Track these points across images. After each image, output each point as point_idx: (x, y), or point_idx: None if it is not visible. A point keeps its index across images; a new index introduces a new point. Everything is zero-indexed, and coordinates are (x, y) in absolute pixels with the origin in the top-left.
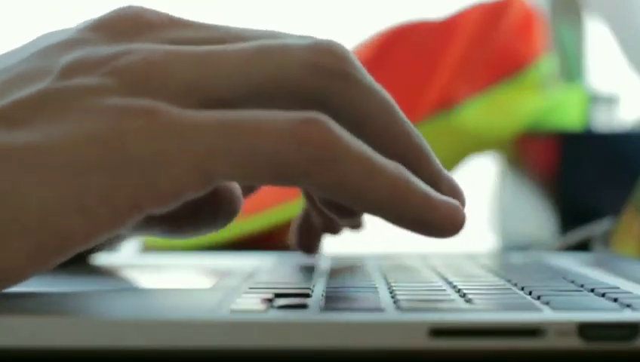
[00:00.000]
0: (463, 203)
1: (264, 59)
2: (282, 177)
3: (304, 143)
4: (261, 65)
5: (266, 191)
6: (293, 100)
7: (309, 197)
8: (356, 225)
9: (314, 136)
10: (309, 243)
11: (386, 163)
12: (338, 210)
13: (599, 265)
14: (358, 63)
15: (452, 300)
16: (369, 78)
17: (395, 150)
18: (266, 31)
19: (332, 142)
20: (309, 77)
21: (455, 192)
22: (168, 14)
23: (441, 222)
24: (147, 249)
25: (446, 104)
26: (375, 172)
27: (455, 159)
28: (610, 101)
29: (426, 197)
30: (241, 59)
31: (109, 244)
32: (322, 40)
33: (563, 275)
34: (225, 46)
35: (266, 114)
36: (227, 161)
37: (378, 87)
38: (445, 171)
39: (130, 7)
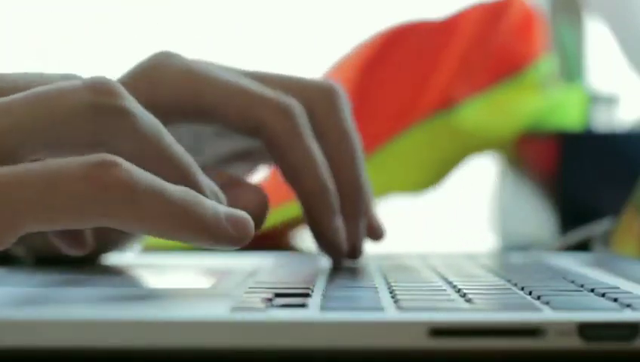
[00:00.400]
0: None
1: (45, 108)
2: (85, 221)
3: (100, 187)
4: (44, 114)
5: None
6: (80, 142)
7: None
8: (377, 236)
9: (109, 179)
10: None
11: (176, 191)
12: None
13: (599, 265)
14: (129, 95)
15: (452, 300)
16: (140, 108)
17: (164, 172)
18: (33, 74)
19: (126, 182)
20: (90, 117)
21: (219, 200)
22: None
23: (230, 235)
24: (147, 249)
25: (446, 104)
26: (169, 203)
27: (455, 159)
28: (610, 101)
29: (216, 216)
30: (24, 111)
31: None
32: (94, 78)
33: (563, 275)
34: (5, 99)
35: (60, 162)
36: (30, 216)
37: (147, 114)
38: (209, 182)
39: None
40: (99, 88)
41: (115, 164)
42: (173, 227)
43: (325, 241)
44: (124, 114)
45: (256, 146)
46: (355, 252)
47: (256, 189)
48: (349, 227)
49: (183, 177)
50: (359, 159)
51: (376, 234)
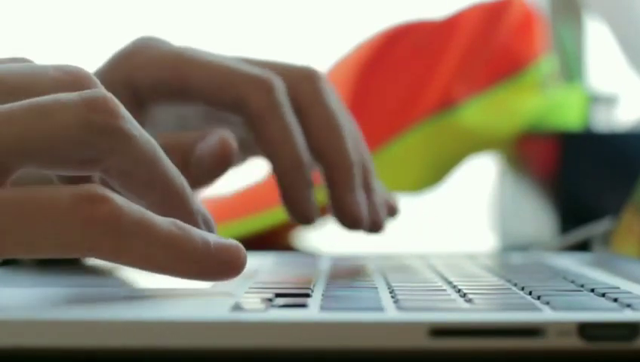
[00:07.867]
0: (212, 231)
1: (40, 120)
2: (68, 252)
3: (88, 222)
4: (38, 127)
5: (265, 191)
6: (73, 159)
7: None
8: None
9: (97, 215)
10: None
11: (163, 224)
12: None
13: (599, 265)
14: (127, 114)
15: (452, 300)
16: (138, 128)
17: (156, 195)
18: (24, 68)
19: (114, 218)
20: (85, 134)
21: (209, 226)
22: None
23: (221, 267)
24: None
25: (446, 104)
26: (155, 240)
27: (455, 159)
28: (610, 101)
29: (204, 248)
30: (17, 123)
31: None
32: (93, 93)
33: (563, 275)
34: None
35: (48, 191)
36: (13, 241)
37: (145, 134)
38: (201, 208)
39: None
40: (96, 105)
41: (104, 199)
42: (159, 263)
43: (298, 213)
44: (120, 134)
45: (244, 137)
46: (373, 225)
47: (221, 133)
48: (351, 200)
49: (175, 202)
50: (346, 134)
51: (390, 210)
